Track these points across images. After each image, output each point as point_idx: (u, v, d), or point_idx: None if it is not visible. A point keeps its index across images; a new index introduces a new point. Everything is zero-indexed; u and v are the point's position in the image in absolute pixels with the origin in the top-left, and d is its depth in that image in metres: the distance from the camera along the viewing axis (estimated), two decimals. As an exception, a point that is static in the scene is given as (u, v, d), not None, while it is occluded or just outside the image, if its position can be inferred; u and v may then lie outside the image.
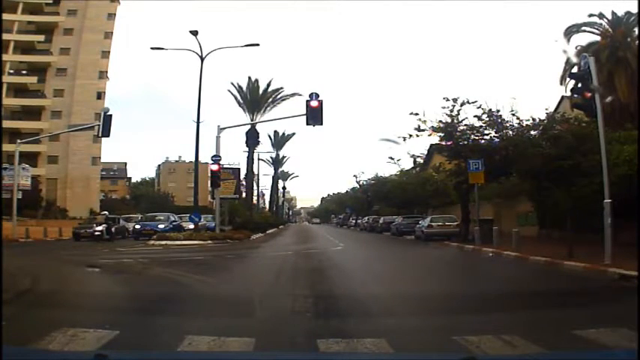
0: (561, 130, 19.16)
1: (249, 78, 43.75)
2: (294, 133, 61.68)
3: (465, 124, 22.62)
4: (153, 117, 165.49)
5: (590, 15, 28.67)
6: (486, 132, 22.57)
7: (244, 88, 43.27)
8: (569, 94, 23.42)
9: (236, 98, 43.24)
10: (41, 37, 52.42)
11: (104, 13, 55.55)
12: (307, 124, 22.24)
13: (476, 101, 22.24)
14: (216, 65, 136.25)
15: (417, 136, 23.03)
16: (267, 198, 77.49)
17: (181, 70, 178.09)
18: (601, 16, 28.59)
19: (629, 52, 25.71)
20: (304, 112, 22.40)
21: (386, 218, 41.02)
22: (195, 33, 26.75)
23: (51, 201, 49.63)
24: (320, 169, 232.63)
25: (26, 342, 4.93)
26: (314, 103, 22.02)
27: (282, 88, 43.52)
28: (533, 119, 21.15)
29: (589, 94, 12.58)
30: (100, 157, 56.67)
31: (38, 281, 9.79)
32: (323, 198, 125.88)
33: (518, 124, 21.52)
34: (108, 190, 72.87)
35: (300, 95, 40.48)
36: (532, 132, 21.18)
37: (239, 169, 42.61)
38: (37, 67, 52.38)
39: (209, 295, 9.05)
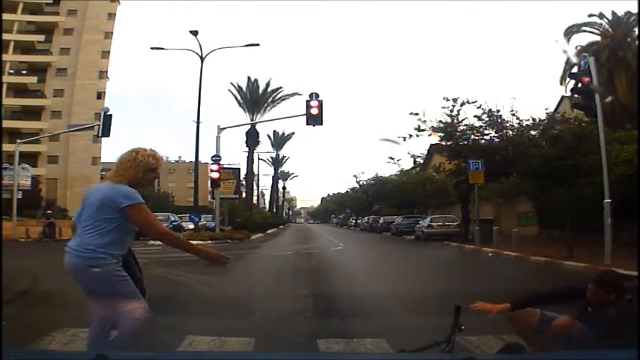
0: (561, 130, 19.14)
1: (249, 78, 43.85)
2: (293, 133, 61.86)
3: (465, 124, 22.68)
4: (153, 117, 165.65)
5: (590, 15, 28.69)
6: (486, 132, 22.62)
7: (244, 88, 43.32)
8: (569, 94, 23.43)
9: (236, 98, 43.31)
10: (41, 37, 52.33)
11: (104, 13, 55.46)
12: (307, 124, 22.25)
13: (476, 101, 22.32)
14: (216, 65, 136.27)
15: (417, 136, 23.13)
16: (267, 198, 77.61)
17: (181, 70, 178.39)
18: (601, 16, 28.58)
19: (629, 52, 25.70)
20: (304, 112, 22.40)
21: (386, 218, 41.02)
22: (195, 33, 26.77)
23: (51, 201, 49.58)
24: (320, 169, 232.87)
25: (26, 342, 4.93)
26: (314, 103, 22.03)
27: (281, 87, 43.65)
28: (533, 119, 21.19)
29: (589, 89, 12.59)
30: (100, 157, 56.56)
31: (38, 281, 9.77)
32: (323, 198, 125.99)
33: (518, 124, 21.56)
34: (108, 190, 72.74)
35: (300, 95, 40.60)
36: (532, 132, 21.21)
37: (239, 169, 42.76)
38: (37, 67, 52.32)
39: (209, 295, 9.04)
